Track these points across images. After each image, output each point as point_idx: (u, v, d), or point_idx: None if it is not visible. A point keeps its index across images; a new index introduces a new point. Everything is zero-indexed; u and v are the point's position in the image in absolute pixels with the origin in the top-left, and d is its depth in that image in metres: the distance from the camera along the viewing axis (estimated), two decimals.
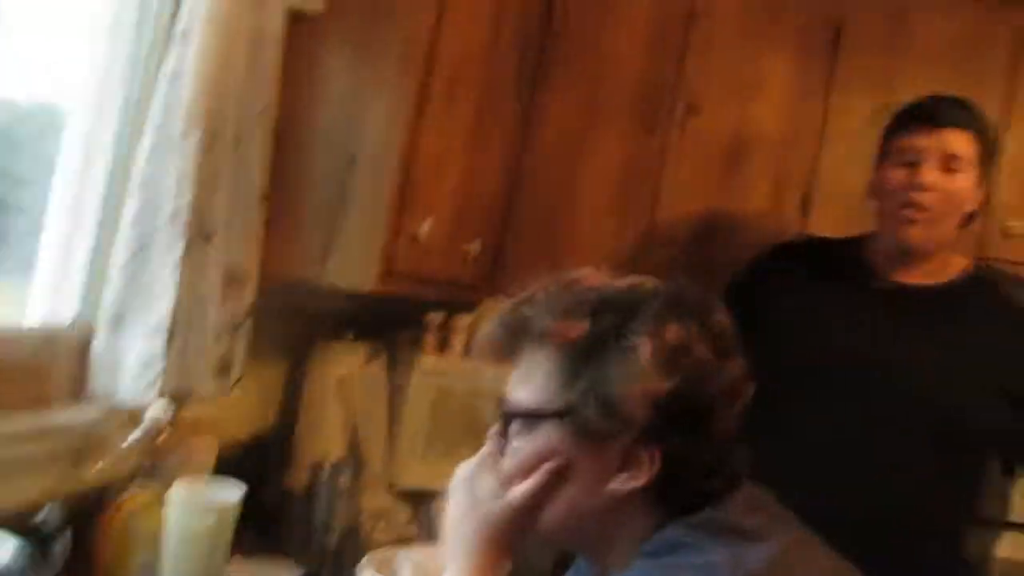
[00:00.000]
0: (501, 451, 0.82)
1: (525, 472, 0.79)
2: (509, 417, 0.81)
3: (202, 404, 1.42)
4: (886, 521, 1.32)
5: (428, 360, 1.85)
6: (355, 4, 1.51)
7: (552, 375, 0.78)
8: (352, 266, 1.48)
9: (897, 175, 1.46)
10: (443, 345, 1.91)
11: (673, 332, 0.75)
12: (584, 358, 0.76)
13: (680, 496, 0.76)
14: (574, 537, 0.82)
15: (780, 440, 1.33)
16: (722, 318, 0.79)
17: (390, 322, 1.99)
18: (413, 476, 1.79)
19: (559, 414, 0.77)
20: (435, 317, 1.92)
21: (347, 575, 1.42)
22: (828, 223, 1.90)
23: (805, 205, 1.97)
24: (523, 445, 0.80)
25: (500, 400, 0.83)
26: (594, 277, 0.84)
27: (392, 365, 1.85)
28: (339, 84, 1.52)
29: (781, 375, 1.44)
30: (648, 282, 0.82)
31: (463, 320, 1.95)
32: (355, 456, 1.70)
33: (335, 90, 1.52)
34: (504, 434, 0.82)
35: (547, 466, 0.78)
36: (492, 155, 1.93)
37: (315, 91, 1.52)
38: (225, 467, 1.44)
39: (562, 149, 2.06)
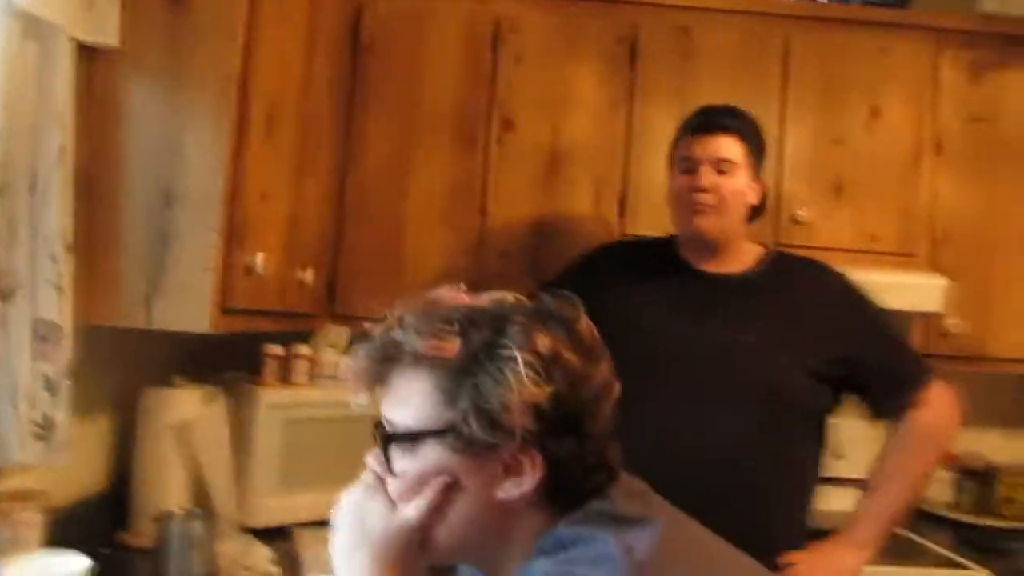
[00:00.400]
0: (385, 475, 0.83)
1: (413, 492, 0.80)
2: (391, 440, 0.82)
3: (24, 472, 1.32)
4: (726, 498, 1.40)
5: (270, 393, 1.80)
6: (157, 37, 1.46)
7: (430, 395, 0.79)
8: (183, 307, 1.43)
9: (681, 181, 1.62)
10: (284, 376, 1.87)
11: (544, 342, 0.78)
12: (461, 375, 0.78)
13: (565, 495, 0.79)
14: (470, 550, 0.83)
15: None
16: (586, 325, 0.84)
17: (222, 360, 1.92)
18: (269, 514, 1.75)
19: (442, 432, 0.79)
20: (272, 349, 1.88)
21: None
22: (645, 223, 2.04)
23: (623, 208, 2.11)
24: (408, 466, 0.81)
25: (378, 425, 0.84)
26: (454, 296, 0.86)
27: (233, 404, 1.79)
28: (148, 120, 1.46)
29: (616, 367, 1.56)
30: (508, 296, 0.85)
31: (302, 349, 1.92)
32: (204, 503, 1.63)
33: (144, 127, 1.46)
34: (387, 458, 0.82)
35: (436, 483, 0.79)
36: (318, 182, 1.91)
37: (122, 129, 1.46)
38: (60, 536, 1.35)
39: (386, 171, 2.08)
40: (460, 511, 0.80)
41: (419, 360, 0.80)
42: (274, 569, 1.59)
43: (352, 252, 2.04)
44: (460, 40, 2.11)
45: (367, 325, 0.86)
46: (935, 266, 2.15)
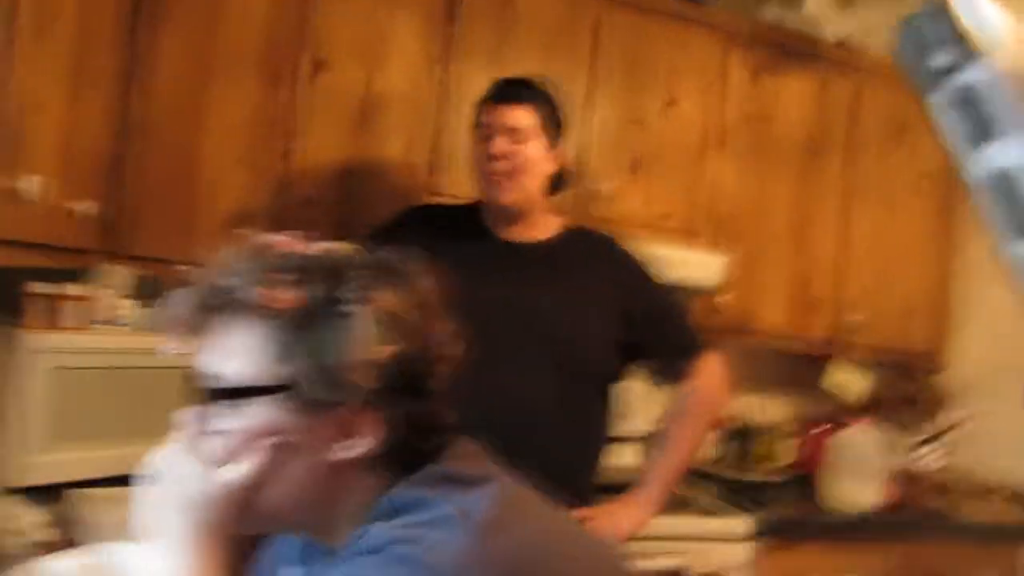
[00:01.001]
0: (205, 432, 0.75)
1: (237, 453, 0.73)
2: (215, 395, 0.74)
3: None
4: (527, 454, 1.47)
5: (35, 337, 1.58)
6: None
7: (261, 348, 0.73)
8: None
9: (479, 148, 1.66)
10: (51, 318, 1.65)
11: (386, 298, 0.75)
12: (297, 329, 0.72)
13: (402, 457, 0.76)
14: (297, 514, 0.77)
15: None
16: (427, 282, 0.80)
17: None
18: (39, 472, 1.53)
19: (274, 389, 0.72)
20: (37, 287, 1.65)
21: None
22: (454, 181, 2.03)
23: (432, 165, 2.08)
24: (232, 424, 0.74)
25: (194, 378, 0.76)
26: (287, 242, 0.79)
27: None
28: None
29: None
30: (342, 248, 0.80)
31: (71, 289, 1.70)
32: None
33: None
34: (207, 414, 0.74)
35: (264, 443, 0.73)
36: (97, 102, 1.69)
37: None
38: None
39: (179, 99, 1.88)
40: (288, 474, 0.74)
41: (250, 311, 0.74)
42: (45, 533, 1.40)
43: (137, 183, 1.82)
44: None
45: (184, 268, 0.77)
46: (715, 245, 2.35)
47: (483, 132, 1.65)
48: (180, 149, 1.87)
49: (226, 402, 0.74)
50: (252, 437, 0.73)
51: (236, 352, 0.74)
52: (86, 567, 0.84)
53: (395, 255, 0.80)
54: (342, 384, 0.72)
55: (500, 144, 1.61)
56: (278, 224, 1.71)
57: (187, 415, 0.77)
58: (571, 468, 1.61)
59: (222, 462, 0.74)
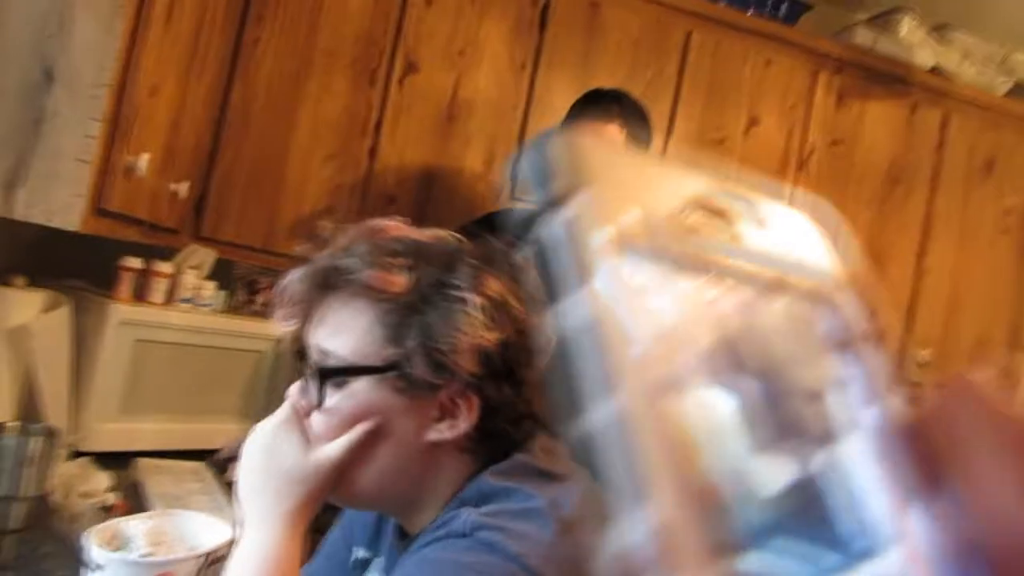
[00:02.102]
0: (312, 409, 0.78)
1: (339, 429, 0.76)
2: (323, 372, 0.77)
3: None
4: None
5: (123, 310, 1.65)
6: None
7: (371, 329, 0.75)
8: (51, 199, 1.28)
9: None
10: (140, 293, 1.73)
11: (494, 286, 0.77)
12: (408, 312, 0.74)
13: (492, 443, 0.78)
14: (387, 492, 0.79)
15: None
16: (529, 274, 0.82)
17: (69, 266, 1.75)
18: (109, 438, 1.60)
19: (382, 368, 0.75)
20: (131, 261, 1.72)
21: (35, 556, 1.25)
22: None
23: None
24: (337, 401, 0.76)
25: (302, 354, 0.79)
26: (398, 228, 0.82)
27: (79, 315, 1.63)
28: None
29: None
30: (448, 236, 0.83)
31: (163, 267, 1.78)
32: (35, 418, 1.48)
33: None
34: (320, 391, 0.77)
35: (365, 424, 0.75)
36: (202, 89, 1.77)
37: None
38: None
39: (275, 91, 1.96)
40: (384, 452, 0.76)
41: (363, 291, 0.76)
42: (112, 497, 1.47)
43: (229, 171, 1.91)
44: None
45: (302, 248, 0.81)
46: None
47: None
48: (272, 141, 1.94)
49: (333, 379, 0.76)
50: (355, 415, 0.76)
51: (347, 331, 0.76)
52: (154, 530, 0.89)
53: (498, 247, 0.81)
54: (447, 367, 0.74)
55: None
56: (357, 221, 1.77)
57: (292, 389, 0.80)
58: None
59: (323, 438, 0.76)
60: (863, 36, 2.44)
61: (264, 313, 1.90)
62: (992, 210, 2.62)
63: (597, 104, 1.66)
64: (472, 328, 0.74)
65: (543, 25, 2.14)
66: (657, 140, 2.22)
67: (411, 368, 0.74)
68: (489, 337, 0.75)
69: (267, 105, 1.93)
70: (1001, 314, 2.65)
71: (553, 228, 0.32)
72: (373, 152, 2.02)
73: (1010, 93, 2.69)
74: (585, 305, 0.31)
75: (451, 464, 0.78)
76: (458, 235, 0.83)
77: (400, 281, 0.75)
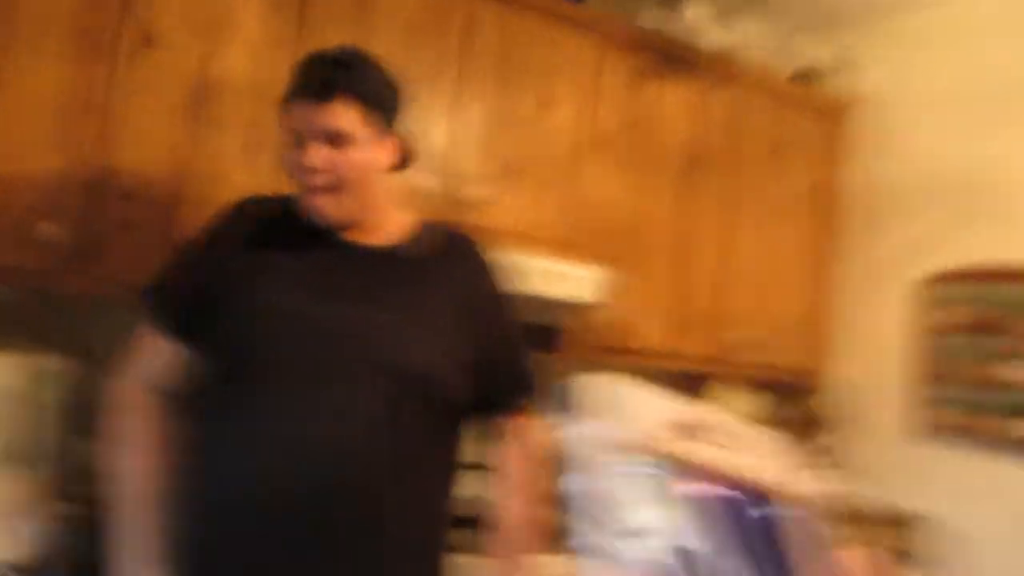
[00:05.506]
0: None
1: None
2: None
3: None
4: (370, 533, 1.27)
5: None
6: None
7: None
8: None
9: (290, 156, 1.31)
10: None
11: None
12: None
13: None
14: None
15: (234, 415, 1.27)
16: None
17: None
18: None
19: None
20: None
21: None
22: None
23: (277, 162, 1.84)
24: None
25: None
26: None
27: None
28: None
29: (237, 348, 1.27)
30: None
31: None
32: None
33: None
34: None
35: None
36: None
37: None
38: None
39: None
40: None
41: None
42: None
43: None
44: None
45: None
46: (591, 258, 2.19)
47: (291, 136, 1.30)
48: None
49: None
50: None
51: None
52: None
53: None
54: None
55: (315, 153, 1.27)
56: (93, 223, 1.46)
57: None
58: (418, 552, 1.33)
59: None
60: (650, 18, 2.38)
61: None
62: (785, 192, 2.64)
63: (314, 81, 1.29)
64: None
65: (303, 3, 1.88)
66: (444, 122, 2.04)
67: None
68: None
69: None
70: (804, 292, 2.68)
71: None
72: (103, 140, 1.68)
73: (794, 77, 2.74)
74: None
75: None
76: None
77: None
